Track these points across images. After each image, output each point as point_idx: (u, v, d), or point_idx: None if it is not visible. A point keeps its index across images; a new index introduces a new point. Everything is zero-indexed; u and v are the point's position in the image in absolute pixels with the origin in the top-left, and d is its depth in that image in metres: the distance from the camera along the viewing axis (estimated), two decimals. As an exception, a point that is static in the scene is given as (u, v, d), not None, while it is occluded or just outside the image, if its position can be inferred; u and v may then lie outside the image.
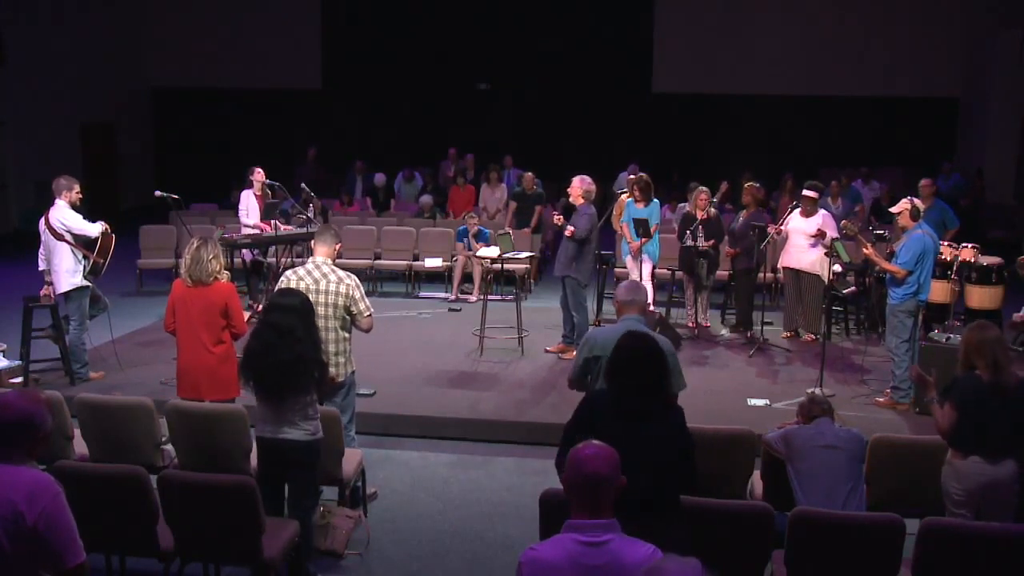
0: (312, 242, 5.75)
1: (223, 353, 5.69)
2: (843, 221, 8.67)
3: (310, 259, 5.60)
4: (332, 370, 5.45)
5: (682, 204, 12.14)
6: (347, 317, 5.48)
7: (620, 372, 3.75)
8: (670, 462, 3.61)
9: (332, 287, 5.42)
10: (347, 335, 5.54)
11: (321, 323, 5.39)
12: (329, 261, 5.53)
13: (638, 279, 9.12)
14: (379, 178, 15.11)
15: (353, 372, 5.68)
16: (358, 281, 5.53)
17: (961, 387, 4.48)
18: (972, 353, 4.51)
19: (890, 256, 7.42)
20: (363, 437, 6.29)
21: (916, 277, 7.03)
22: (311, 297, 5.35)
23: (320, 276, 5.45)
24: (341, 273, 5.50)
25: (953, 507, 4.44)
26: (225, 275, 5.78)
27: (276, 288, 5.41)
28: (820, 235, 8.68)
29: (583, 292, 8.50)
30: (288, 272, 5.64)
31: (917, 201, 7.26)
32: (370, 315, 5.53)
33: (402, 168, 15.59)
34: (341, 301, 5.42)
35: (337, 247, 5.65)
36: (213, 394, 5.60)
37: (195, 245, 5.68)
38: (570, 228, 8.34)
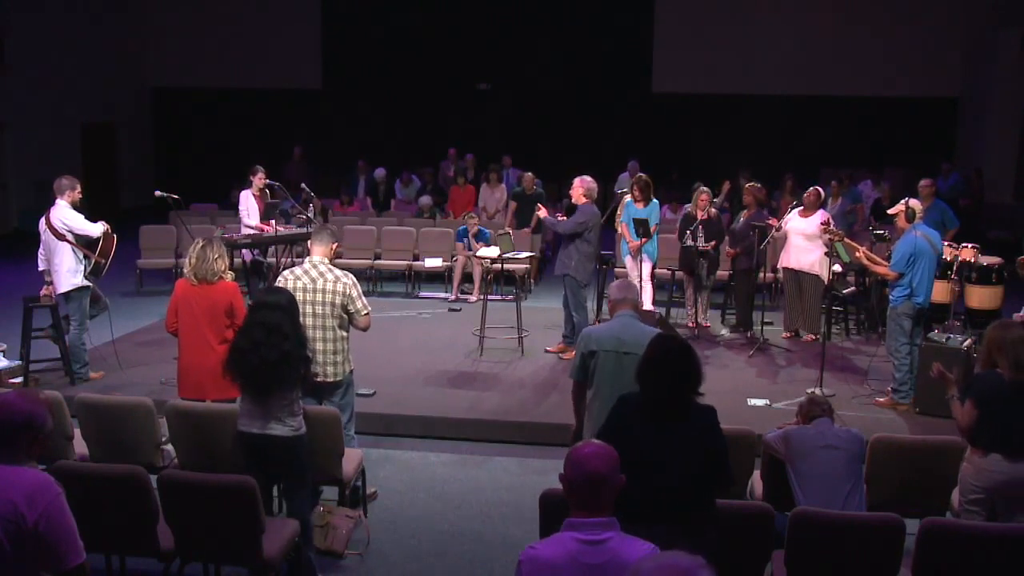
0: (309, 242, 5.75)
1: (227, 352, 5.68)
2: (820, 225, 8.64)
3: (307, 259, 5.61)
4: (330, 369, 5.47)
5: (686, 205, 12.11)
6: (344, 316, 5.49)
7: (654, 372, 3.70)
8: (705, 462, 3.58)
9: (329, 286, 5.43)
10: (345, 334, 5.54)
11: (319, 322, 5.42)
12: (326, 260, 5.54)
13: (638, 279, 9.13)
14: (379, 173, 15.13)
15: (351, 371, 5.68)
16: (355, 280, 5.54)
17: (982, 385, 4.51)
18: (994, 351, 4.52)
19: (889, 257, 7.42)
20: (363, 437, 6.29)
21: (908, 279, 6.99)
22: (308, 297, 5.38)
23: (317, 275, 5.46)
24: (338, 272, 5.51)
25: (968, 504, 4.45)
26: (230, 275, 5.81)
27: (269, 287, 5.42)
28: (827, 226, 8.68)
29: (583, 292, 8.49)
30: (285, 272, 5.65)
31: (914, 202, 7.22)
32: (367, 314, 5.53)
33: (400, 172, 15.59)
34: (339, 300, 5.43)
35: (334, 246, 5.65)
36: (217, 393, 5.60)
37: (200, 244, 5.70)
38: (543, 211, 8.61)
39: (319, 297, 5.42)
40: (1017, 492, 4.37)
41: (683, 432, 3.58)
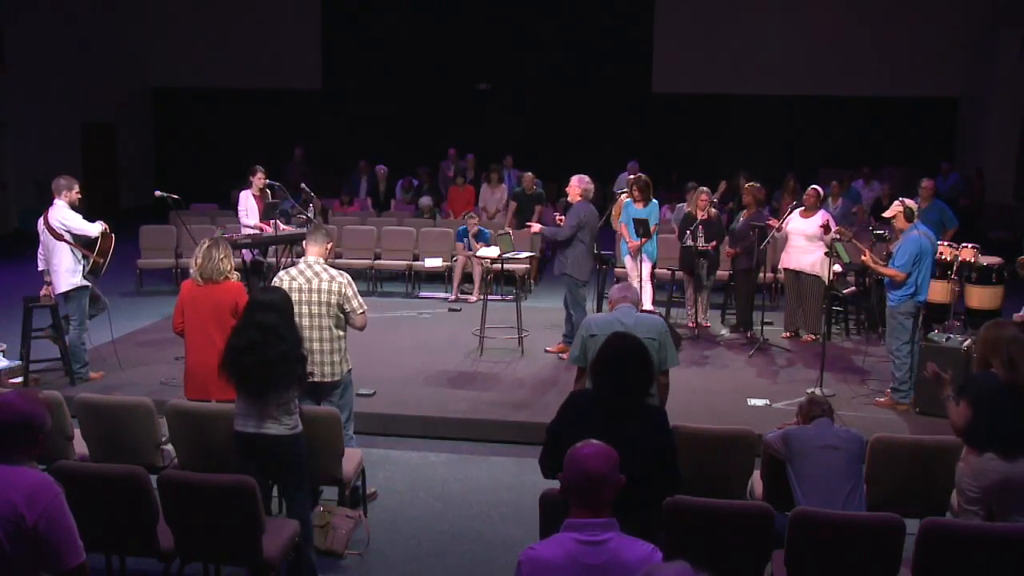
0: (303, 242, 5.78)
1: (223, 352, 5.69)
2: (835, 227, 8.68)
3: (302, 259, 5.62)
4: (328, 369, 5.49)
5: (680, 204, 12.12)
6: (341, 316, 5.50)
7: (605, 370, 3.75)
8: (651, 462, 3.61)
9: (324, 285, 5.44)
10: (342, 333, 5.55)
11: (315, 322, 5.44)
12: (321, 260, 5.56)
13: (638, 279, 9.14)
14: (381, 169, 15.13)
15: (349, 370, 5.69)
16: (350, 279, 5.56)
17: (977, 385, 4.49)
18: (988, 351, 4.51)
19: (888, 257, 7.41)
20: (363, 437, 6.29)
21: (914, 278, 7.01)
22: (304, 297, 5.40)
23: (312, 275, 5.47)
24: (333, 272, 5.53)
25: (966, 504, 4.44)
26: (236, 275, 5.83)
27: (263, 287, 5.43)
28: (825, 229, 8.68)
29: (581, 291, 8.49)
30: (280, 272, 5.67)
31: (909, 202, 7.24)
32: (363, 312, 5.55)
33: (402, 177, 15.59)
34: (334, 299, 5.44)
35: (328, 246, 5.67)
36: (221, 394, 5.59)
37: (206, 244, 5.72)
38: (536, 226, 9.12)
39: (315, 297, 5.43)
40: (1013, 491, 4.37)
41: (633, 432, 3.59)
